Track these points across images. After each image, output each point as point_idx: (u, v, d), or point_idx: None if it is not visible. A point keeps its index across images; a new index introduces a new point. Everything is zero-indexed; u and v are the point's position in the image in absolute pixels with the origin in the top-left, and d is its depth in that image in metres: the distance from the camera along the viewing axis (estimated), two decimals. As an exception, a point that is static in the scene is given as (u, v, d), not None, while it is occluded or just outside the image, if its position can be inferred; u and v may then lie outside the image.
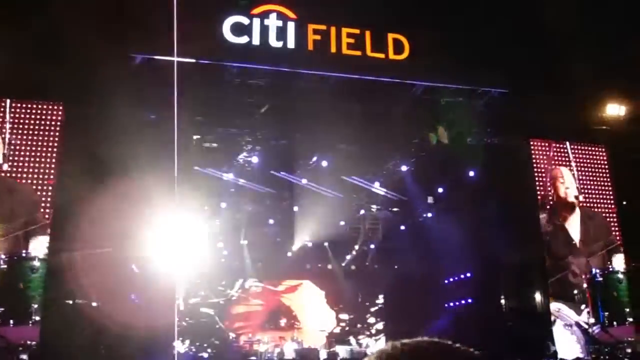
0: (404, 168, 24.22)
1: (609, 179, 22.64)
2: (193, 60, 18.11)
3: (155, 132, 18.61)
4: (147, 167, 18.08)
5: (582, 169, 22.45)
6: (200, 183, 22.37)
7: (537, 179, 21.88)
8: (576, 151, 22.50)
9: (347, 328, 29.25)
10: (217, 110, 20.16)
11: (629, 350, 20.67)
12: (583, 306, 20.97)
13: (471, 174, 23.70)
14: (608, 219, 22.29)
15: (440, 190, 25.46)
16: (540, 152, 22.08)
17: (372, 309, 30.26)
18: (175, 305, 26.44)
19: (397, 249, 29.13)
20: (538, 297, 22.42)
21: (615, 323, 20.77)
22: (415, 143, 23.19)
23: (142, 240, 20.62)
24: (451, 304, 28.02)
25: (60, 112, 17.66)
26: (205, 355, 23.16)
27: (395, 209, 28.07)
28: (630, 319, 21.32)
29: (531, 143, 21.98)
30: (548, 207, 21.76)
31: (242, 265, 27.60)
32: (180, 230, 20.34)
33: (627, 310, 21.32)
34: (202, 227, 24.65)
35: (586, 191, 22.22)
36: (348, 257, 30.10)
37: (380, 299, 30.47)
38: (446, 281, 28.56)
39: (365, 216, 28.81)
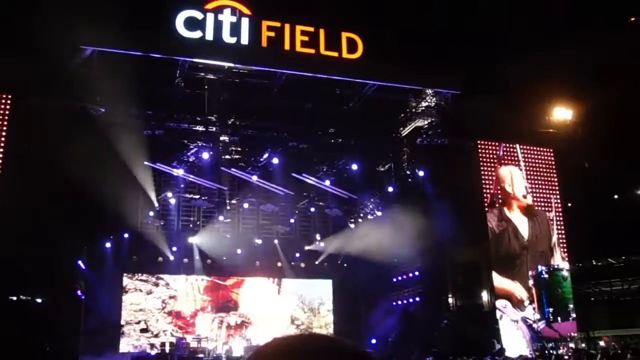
0: (354, 167, 24.30)
1: (556, 181, 23.30)
2: (144, 54, 17.87)
3: (104, 126, 18.31)
4: (96, 161, 17.78)
5: (531, 170, 23.03)
6: (149, 178, 22.07)
7: (486, 179, 22.34)
8: (525, 153, 23.05)
9: (300, 326, 29.24)
10: (168, 105, 19.94)
11: (572, 346, 21.32)
12: (528, 302, 21.53)
13: (421, 173, 23.98)
14: (554, 219, 22.94)
15: (390, 189, 25.66)
16: (490, 153, 22.54)
17: (323, 307, 30.34)
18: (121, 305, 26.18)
19: (347, 248, 29.24)
20: (484, 295, 22.88)
21: (559, 319, 21.39)
22: (366, 142, 23.35)
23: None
24: (399, 302, 28.32)
25: (8, 104, 17.23)
26: (153, 352, 22.86)
27: (345, 207, 28.17)
28: (574, 315, 22.02)
29: (481, 144, 22.43)
30: (497, 206, 22.25)
31: (191, 262, 27.32)
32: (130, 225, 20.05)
33: (571, 306, 22.01)
34: (150, 223, 24.36)
35: (534, 192, 22.81)
36: (298, 254, 30.10)
37: (330, 297, 30.57)
38: (395, 279, 28.87)
39: (315, 214, 28.84)
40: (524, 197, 22.42)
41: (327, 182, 25.27)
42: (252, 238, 28.51)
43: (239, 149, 22.99)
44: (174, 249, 26.65)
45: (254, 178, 24.08)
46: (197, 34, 18.03)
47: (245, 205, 26.76)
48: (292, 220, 28.87)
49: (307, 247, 30.13)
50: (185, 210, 26.64)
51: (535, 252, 21.85)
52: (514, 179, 22.56)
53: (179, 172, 22.80)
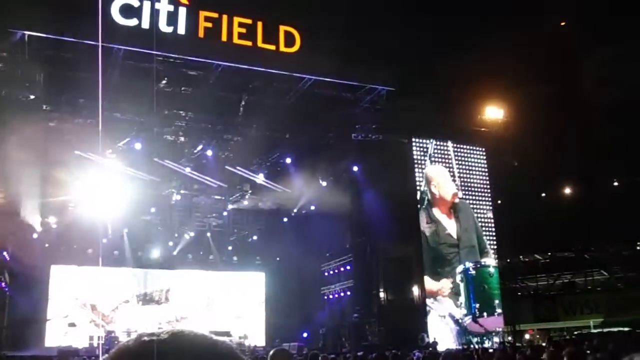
0: (288, 160, 24.45)
1: (487, 179, 24.05)
2: (76, 40, 17.53)
3: (34, 113, 17.94)
4: (24, 149, 17.42)
5: (463, 168, 23.68)
6: (80, 168, 21.68)
7: (418, 176, 22.87)
8: (458, 151, 23.68)
9: (230, 320, 29.20)
10: (101, 93, 19.58)
11: (497, 340, 22.13)
12: (456, 297, 22.22)
13: (355, 168, 24.35)
14: (484, 217, 23.67)
15: (323, 183, 25.94)
16: (423, 150, 23.09)
17: (255, 300, 30.45)
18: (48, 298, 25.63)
19: (279, 241, 29.43)
20: (415, 290, 23.45)
21: (485, 314, 22.17)
22: (300, 136, 23.53)
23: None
24: (331, 296, 28.73)
25: None
26: (81, 347, 22.49)
27: (279, 201, 28.33)
28: (500, 310, 22.84)
29: (414, 141, 22.94)
30: (427, 202, 22.83)
31: (122, 254, 27.01)
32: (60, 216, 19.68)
33: (497, 302, 22.82)
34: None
35: (465, 189, 23.47)
36: (230, 247, 30.12)
37: (263, 290, 30.71)
38: (327, 273, 29.26)
39: (248, 207, 28.89)
40: (454, 196, 23.08)
41: (261, 176, 25.35)
42: (184, 230, 28.39)
43: (173, 140, 22.82)
44: (104, 240, 26.31)
45: (188, 170, 23.97)
46: (132, 22, 17.81)
47: (178, 197, 26.59)
48: (225, 213, 28.88)
49: (239, 240, 30.20)
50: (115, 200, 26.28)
51: (464, 249, 22.55)
52: (442, 179, 23.17)
53: (111, 162, 22.48)
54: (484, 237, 23.24)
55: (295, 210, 28.86)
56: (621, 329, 23.49)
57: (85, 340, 23.59)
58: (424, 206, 22.73)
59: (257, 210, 29.27)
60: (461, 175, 23.53)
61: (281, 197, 28.03)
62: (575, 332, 24.70)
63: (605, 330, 24.14)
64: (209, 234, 29.11)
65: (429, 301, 22.09)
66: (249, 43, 19.11)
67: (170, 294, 28.57)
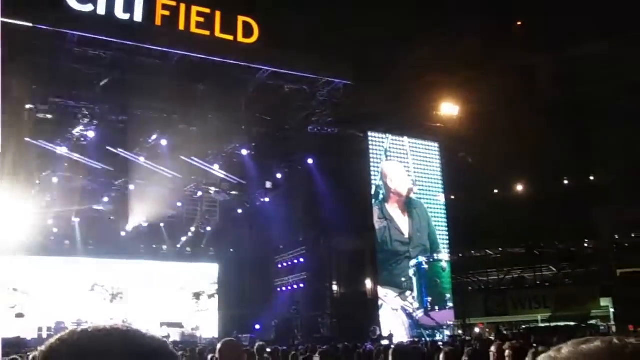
0: (244, 152, 24.41)
1: (440, 174, 24.44)
2: (28, 24, 17.25)
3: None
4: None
5: (418, 163, 24.02)
6: (30, 155, 21.34)
7: (372, 170, 23.12)
8: (413, 146, 24.01)
9: (183, 311, 29.11)
10: (53, 80, 19.34)
11: (448, 333, 22.59)
12: (409, 292, 22.60)
13: (310, 161, 24.48)
14: (438, 211, 24.07)
15: (278, 175, 26.03)
16: (378, 144, 23.35)
17: (207, 292, 30.44)
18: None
19: (233, 233, 29.47)
20: (368, 283, 23.77)
21: (437, 308, 22.62)
22: (256, 127, 23.56)
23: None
24: (284, 288, 28.88)
25: None
26: (29, 338, 22.20)
27: (233, 192, 28.31)
28: (451, 305, 23.30)
29: (370, 135, 23.19)
30: (381, 197, 23.11)
31: (73, 244, 26.71)
32: (5, 205, 19.33)
33: (449, 296, 23.28)
34: (30, 203, 23.55)
35: (420, 184, 23.81)
36: (184, 239, 30.02)
37: (215, 282, 30.72)
38: (280, 265, 29.39)
39: (202, 198, 28.83)
40: (409, 191, 23.43)
41: (216, 167, 25.25)
42: (137, 221, 28.17)
43: (127, 128, 22.55)
44: (55, 230, 25.95)
45: (142, 159, 23.75)
46: (88, 7, 17.58)
47: (132, 187, 26.34)
48: (179, 204, 28.74)
49: (192, 231, 30.11)
50: (68, 190, 25.89)
51: (416, 246, 22.92)
52: (397, 174, 23.49)
53: (62, 150, 22.18)
54: (438, 237, 23.63)
55: (249, 202, 28.92)
56: (568, 323, 24.26)
57: (34, 332, 23.34)
58: (378, 201, 23.00)
59: (212, 201, 29.22)
60: (417, 170, 23.87)
61: (236, 188, 28.04)
62: (523, 326, 25.30)
63: (553, 324, 24.86)
64: (162, 225, 28.97)
65: (381, 294, 22.41)
66: (207, 33, 19.04)
67: (122, 285, 28.38)
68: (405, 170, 23.64)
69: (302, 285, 27.29)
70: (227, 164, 25.63)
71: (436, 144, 24.57)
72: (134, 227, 27.93)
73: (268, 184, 27.28)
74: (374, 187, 22.95)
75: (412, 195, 23.40)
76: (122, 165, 24.32)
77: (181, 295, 29.72)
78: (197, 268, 30.76)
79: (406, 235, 22.83)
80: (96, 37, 18.14)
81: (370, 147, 23.18)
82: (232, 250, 30.56)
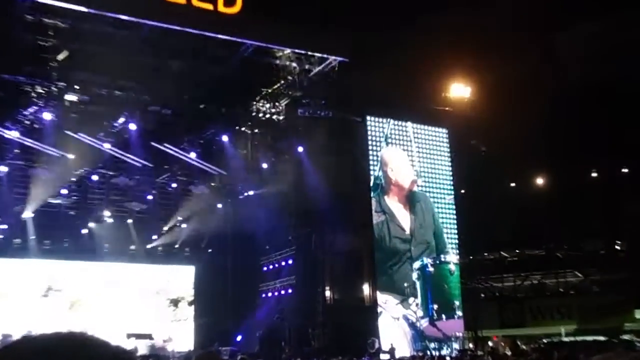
0: (224, 138, 24.36)
1: (449, 165, 24.41)
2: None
3: None
4: None
5: (423, 151, 23.98)
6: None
7: (372, 159, 23.08)
8: (418, 133, 23.97)
9: (153, 320, 29.07)
10: (3, 53, 19.15)
11: (456, 347, 22.54)
12: (412, 299, 22.56)
13: (300, 149, 24.41)
14: (445, 207, 24.06)
15: (264, 165, 25.94)
16: (378, 131, 23.32)
17: (183, 298, 30.43)
18: None
19: (213, 231, 29.42)
20: (366, 288, 23.76)
21: (444, 317, 22.58)
22: (239, 110, 23.50)
23: None
24: (270, 294, 28.85)
25: None
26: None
27: (212, 184, 28.29)
28: (460, 313, 23.20)
29: (369, 119, 23.15)
30: (380, 189, 23.08)
31: (24, 243, 26.59)
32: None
33: (457, 303, 23.18)
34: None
35: (424, 175, 23.78)
36: (155, 237, 29.95)
37: (192, 286, 30.70)
38: (265, 268, 29.38)
39: (177, 191, 28.76)
40: (412, 183, 23.41)
41: (193, 155, 25.17)
42: (101, 216, 28.09)
43: (90, 110, 22.38)
44: (4, 226, 25.85)
45: (107, 146, 23.66)
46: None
47: (95, 178, 26.26)
48: (149, 197, 28.65)
49: (166, 229, 30.04)
50: (19, 181, 25.74)
51: (419, 244, 22.86)
52: (400, 163, 23.46)
53: (12, 134, 22.04)
54: (445, 235, 23.60)
55: (231, 195, 28.85)
56: (596, 338, 24.01)
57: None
58: (376, 193, 22.97)
59: (188, 194, 29.17)
60: (421, 160, 23.84)
61: (215, 180, 28.00)
62: (544, 340, 25.18)
63: (578, 339, 24.63)
64: (130, 221, 28.90)
65: (381, 301, 22.37)
66: (182, 1, 18.86)
67: (82, 290, 28.28)
68: (409, 160, 23.62)
69: (290, 291, 27.30)
70: (206, 152, 25.56)
71: (444, 130, 24.57)
72: (97, 223, 27.86)
73: (252, 175, 27.18)
74: (372, 178, 22.94)
75: (416, 188, 23.38)
76: (83, 152, 24.18)
77: (151, 302, 29.64)
78: (170, 271, 30.72)
79: (407, 232, 22.82)
80: (53, 2, 17.93)
81: (369, 133, 23.17)
82: (210, 250, 30.56)
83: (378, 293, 22.64)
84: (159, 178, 27.60)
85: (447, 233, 23.73)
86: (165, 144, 24.61)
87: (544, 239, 28.41)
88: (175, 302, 30.41)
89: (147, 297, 29.63)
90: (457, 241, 23.90)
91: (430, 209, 23.63)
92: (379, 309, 22.33)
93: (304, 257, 26.29)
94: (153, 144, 24.27)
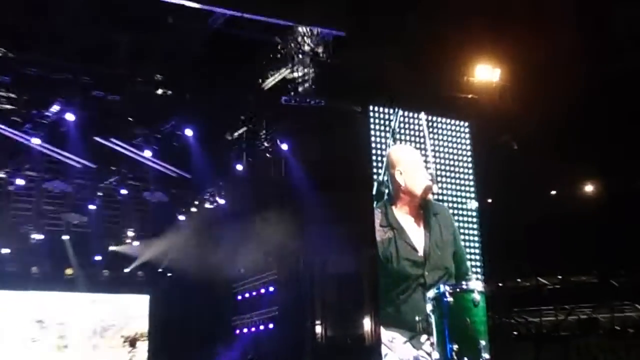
0: (188, 132, 24.50)
1: (471, 167, 24.67)
2: None
3: None
4: None
5: (440, 150, 24.22)
6: None
7: (375, 159, 23.41)
8: (434, 127, 24.26)
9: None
10: None
11: (482, 400, 22.89)
12: (425, 336, 22.76)
13: (284, 146, 24.72)
14: (467, 220, 24.36)
15: (239, 167, 26.14)
16: (384, 124, 23.65)
17: (132, 334, 30.70)
18: None
19: (173, 249, 29.65)
20: (367, 323, 24.08)
21: None
22: (207, 96, 23.72)
23: None
24: (245, 330, 29.19)
25: None
26: None
27: (173, 191, 28.46)
28: (487, 356, 23.26)
29: (371, 110, 23.49)
30: (386, 197, 23.39)
31: None
32: None
33: (483, 343, 23.13)
34: None
35: (443, 181, 24.04)
36: (99, 258, 30.17)
37: (146, 320, 30.96)
38: (240, 297, 29.73)
39: (128, 199, 28.93)
40: (426, 190, 23.58)
41: (148, 153, 25.29)
42: (27, 231, 28.26)
43: (13, 95, 22.48)
44: None
45: (36, 141, 23.73)
46: None
47: (20, 182, 26.35)
48: (92, 207, 28.79)
49: (113, 248, 30.31)
50: None
51: (434, 268, 23.10)
52: (412, 165, 23.57)
53: None
54: (468, 258, 23.80)
55: (196, 204, 29.11)
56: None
57: None
58: (381, 202, 23.27)
59: (141, 202, 29.36)
60: (438, 161, 24.10)
61: (177, 184, 28.20)
62: (598, 393, 25.49)
63: (638, 390, 25.04)
64: (66, 237, 29.07)
65: (386, 339, 22.66)
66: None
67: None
68: (422, 161, 23.86)
69: (271, 326, 27.53)
70: (165, 150, 25.70)
71: (467, 124, 24.88)
72: (20, 240, 27.84)
73: (223, 179, 27.41)
74: (375, 184, 23.25)
75: (431, 197, 23.66)
76: (4, 149, 24.38)
77: (93, 340, 29.84)
78: (119, 300, 30.97)
79: (420, 253, 22.92)
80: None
81: (372, 126, 23.38)
82: (170, 275, 30.85)
83: (382, 329, 22.88)
84: (104, 183, 27.77)
85: (470, 253, 23.91)
86: (113, 140, 24.78)
87: (595, 262, 28.39)
88: (122, 340, 30.69)
89: (86, 334, 29.75)
90: (482, 264, 24.07)
91: (449, 224, 23.58)
92: (384, 350, 22.56)
93: (288, 282, 26.57)
94: (97, 139, 24.44)
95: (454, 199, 24.27)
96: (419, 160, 23.63)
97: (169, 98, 23.24)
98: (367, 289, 23.97)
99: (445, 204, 24.00)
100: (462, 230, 24.05)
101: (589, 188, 28.42)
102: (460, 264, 23.55)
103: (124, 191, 28.34)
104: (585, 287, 29.01)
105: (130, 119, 24.13)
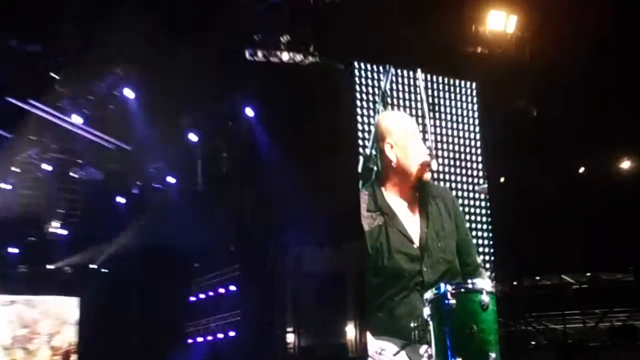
0: (129, 93, 24.49)
1: (478, 138, 24.83)
2: None
3: None
4: None
5: (441, 117, 24.36)
6: None
7: (361, 129, 23.52)
8: (433, 87, 24.38)
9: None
10: None
11: (493, 422, 23.10)
12: (423, 347, 22.85)
13: (249, 112, 24.77)
14: (474, 205, 24.53)
15: (193, 137, 26.21)
16: (372, 85, 23.77)
17: (59, 343, 30.80)
18: None
19: (109, 239, 29.71)
20: (350, 331, 24.23)
21: (472, 375, 23.00)
22: (151, 50, 23.72)
23: None
24: (200, 339, 29.32)
25: None
26: None
27: (110, 166, 28.46)
28: (498, 370, 23.58)
29: (357, 67, 23.60)
30: (374, 176, 23.46)
31: None
32: None
33: (494, 355, 23.29)
34: None
35: (445, 156, 24.16)
36: (17, 251, 30.20)
37: (75, 327, 31.06)
38: (193, 298, 29.84)
39: (52, 176, 28.91)
40: (423, 167, 23.47)
41: (78, 119, 25.24)
42: None
43: None
44: None
45: None
46: None
47: None
48: (6, 186, 28.72)
49: (33, 238, 30.32)
50: None
51: (434, 263, 23.08)
52: (407, 136, 23.49)
53: None
54: (475, 251, 23.76)
55: (138, 184, 29.18)
56: None
57: None
58: (368, 183, 23.29)
59: (69, 181, 29.36)
60: (439, 131, 24.25)
61: (115, 158, 28.21)
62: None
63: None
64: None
65: (374, 350, 22.76)
66: None
67: None
68: (419, 130, 23.92)
69: (232, 334, 27.64)
70: (100, 115, 25.71)
71: (475, 85, 25.00)
72: None
73: (175, 152, 27.45)
74: (361, 160, 23.30)
75: (429, 175, 23.62)
76: None
77: (9, 350, 29.92)
78: (40, 303, 31.03)
79: (416, 244, 22.85)
80: None
81: (358, 88, 23.53)
82: (106, 271, 30.92)
83: (370, 338, 22.92)
84: (20, 156, 27.72)
85: (478, 245, 24.02)
86: (31, 101, 24.71)
87: (633, 257, 28.65)
88: (46, 350, 30.78)
89: (8, 350, 29.88)
90: (492, 258, 24.21)
91: (452, 208, 23.22)
92: None
93: (254, 281, 26.67)
94: (9, 99, 24.35)
95: (458, 178, 24.38)
96: (415, 130, 23.42)
97: (104, 51, 23.28)
98: (351, 290, 24.06)
99: (447, 185, 24.14)
100: (468, 217, 24.20)
101: (626, 165, 28.55)
102: (467, 258, 23.27)
103: (46, 166, 28.25)
104: (621, 288, 29.21)
105: (55, 75, 24.02)
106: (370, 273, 23.24)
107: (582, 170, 28.87)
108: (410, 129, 23.70)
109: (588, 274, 29.46)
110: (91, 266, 31.05)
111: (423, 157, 23.52)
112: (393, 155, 23.14)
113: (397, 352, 22.60)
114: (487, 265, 24.21)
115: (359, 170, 23.26)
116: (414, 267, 23.20)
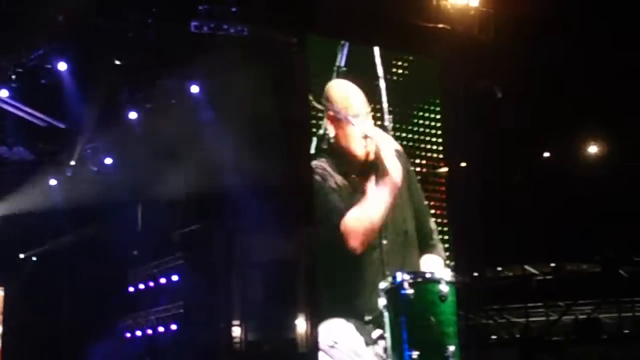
0: (61, 65, 24.44)
1: (440, 121, 25.15)
2: None
3: None
4: None
5: (399, 96, 24.64)
6: None
7: (314, 109, 23.74)
8: (392, 65, 24.70)
9: None
10: None
11: (449, 422, 23.45)
12: (378, 332, 23.05)
13: (194, 89, 25.00)
14: (433, 191, 24.86)
15: (132, 114, 26.26)
16: (326, 60, 24.04)
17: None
18: None
19: (39, 224, 29.72)
20: (300, 323, 24.52)
21: (428, 369, 23.31)
22: (87, 20, 23.71)
23: None
24: (138, 333, 29.47)
25: None
26: None
27: (41, 145, 28.44)
28: (455, 364, 23.89)
29: (311, 41, 23.89)
30: (327, 153, 23.55)
31: None
32: None
33: (452, 349, 23.44)
34: None
35: (402, 135, 24.43)
36: None
37: None
38: (132, 288, 29.97)
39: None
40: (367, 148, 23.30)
41: (4, 93, 25.16)
42: None
43: None
44: None
45: None
46: None
47: None
48: None
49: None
50: None
51: (392, 239, 23.15)
52: (363, 109, 23.39)
53: None
54: (431, 218, 23.84)
55: (73, 164, 29.22)
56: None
57: None
58: (324, 157, 23.20)
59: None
60: (397, 111, 24.49)
61: (46, 136, 28.21)
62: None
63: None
64: None
65: (326, 343, 22.88)
66: None
67: None
68: (375, 107, 23.91)
69: (174, 327, 27.70)
70: (29, 89, 25.65)
71: (436, 63, 25.30)
72: None
73: (110, 130, 27.42)
74: (315, 141, 23.44)
75: (373, 146, 23.44)
76: None
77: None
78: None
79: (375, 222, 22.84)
80: None
81: (311, 64, 23.75)
82: (35, 259, 30.97)
83: (323, 325, 22.52)
84: None
85: (437, 231, 23.94)
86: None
87: (599, 247, 28.95)
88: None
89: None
90: (451, 246, 24.41)
91: (409, 176, 23.14)
92: (322, 357, 22.68)
93: (198, 270, 26.81)
94: None
95: (417, 160, 24.68)
96: (362, 98, 23.20)
97: (36, 21, 23.21)
98: (301, 280, 24.15)
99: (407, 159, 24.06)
100: (426, 203, 24.35)
101: (593, 150, 28.89)
102: (423, 228, 23.33)
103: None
104: (585, 279, 29.63)
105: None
106: (324, 256, 23.35)
107: (546, 155, 29.08)
108: (349, 95, 23.23)
109: (552, 265, 29.86)
110: (20, 256, 31.03)
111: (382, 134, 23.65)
112: (331, 130, 23.05)
113: (355, 338, 22.67)
114: (447, 254, 24.57)
115: (312, 151, 23.49)
116: (373, 241, 23.27)
